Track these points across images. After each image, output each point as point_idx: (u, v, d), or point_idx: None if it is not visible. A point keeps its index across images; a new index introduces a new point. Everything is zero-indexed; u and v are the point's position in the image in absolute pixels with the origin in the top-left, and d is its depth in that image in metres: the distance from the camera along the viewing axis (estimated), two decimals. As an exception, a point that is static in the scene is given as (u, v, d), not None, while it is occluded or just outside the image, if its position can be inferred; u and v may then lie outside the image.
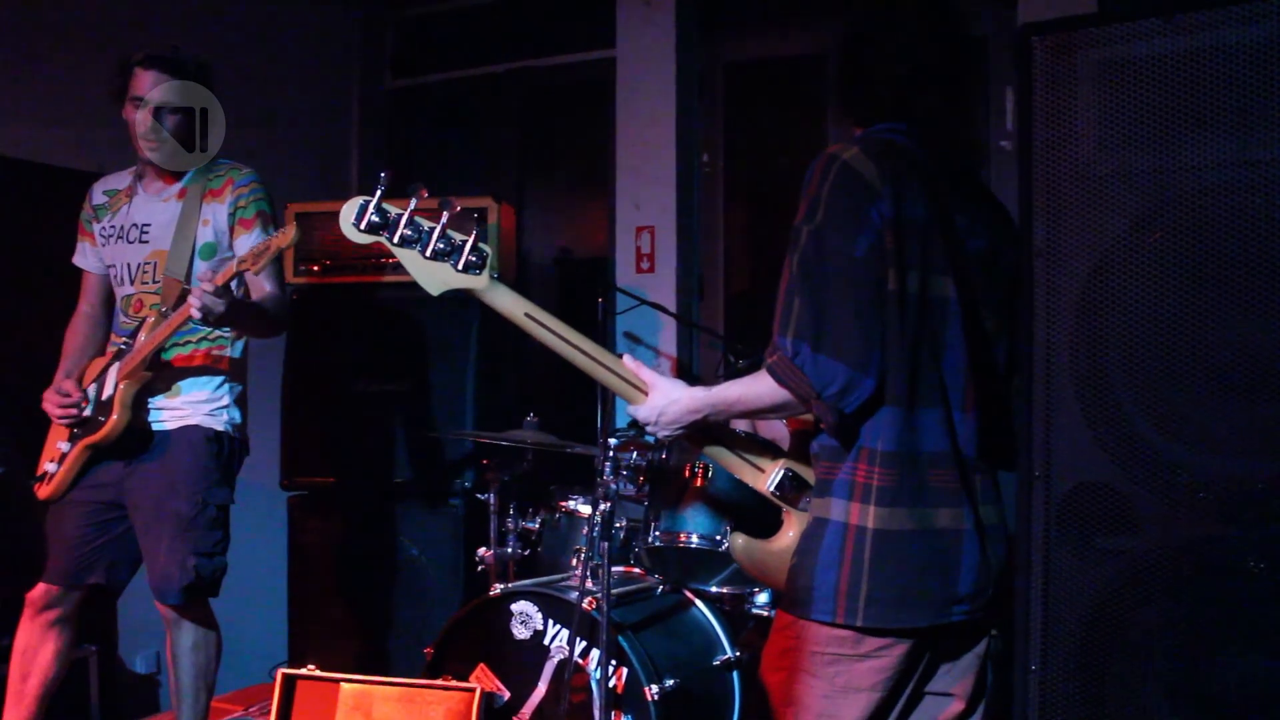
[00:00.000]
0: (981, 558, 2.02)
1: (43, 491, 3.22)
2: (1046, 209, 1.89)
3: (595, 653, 3.06)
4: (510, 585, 3.31)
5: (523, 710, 3.20)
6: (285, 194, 4.30)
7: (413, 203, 2.05)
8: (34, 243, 4.03)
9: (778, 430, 3.71)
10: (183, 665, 3.23)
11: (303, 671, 3.31)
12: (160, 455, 3.20)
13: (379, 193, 2.04)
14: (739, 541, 2.19)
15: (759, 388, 2.01)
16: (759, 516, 2.33)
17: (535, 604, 3.23)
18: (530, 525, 3.76)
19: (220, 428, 3.25)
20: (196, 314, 2.90)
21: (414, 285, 4.27)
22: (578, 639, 3.11)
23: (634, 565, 3.61)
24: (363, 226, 2.04)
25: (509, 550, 3.69)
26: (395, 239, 2.05)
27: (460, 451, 4.29)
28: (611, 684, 3.06)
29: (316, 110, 5.51)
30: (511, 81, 5.62)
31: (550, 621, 3.20)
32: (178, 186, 3.27)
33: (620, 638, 3.06)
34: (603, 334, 3.99)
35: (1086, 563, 1.86)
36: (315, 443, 4.41)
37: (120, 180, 3.37)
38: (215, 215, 3.23)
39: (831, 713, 2.03)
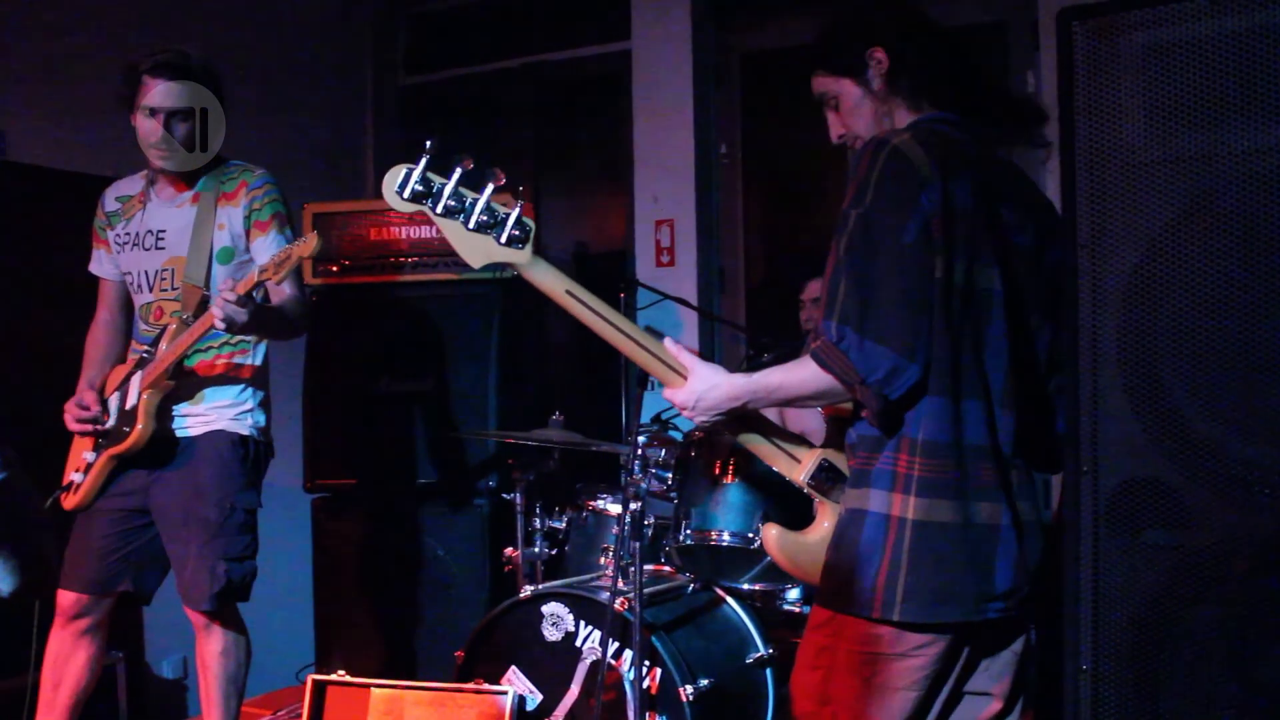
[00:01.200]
0: (1019, 554, 1.98)
1: (69, 501, 3.22)
2: (1091, 199, 1.84)
3: (628, 653, 3.03)
4: (540, 586, 3.29)
5: (555, 712, 3.17)
6: (301, 194, 4.28)
7: (457, 172, 2.00)
8: (45, 249, 4.02)
9: (809, 424, 3.67)
10: (213, 671, 3.21)
11: (333, 677, 3.29)
12: (186, 462, 3.18)
13: (424, 160, 1.99)
14: (772, 534, 2.14)
15: (802, 373, 1.97)
16: (790, 513, 2.30)
17: (566, 605, 3.20)
18: (556, 525, 3.73)
19: (246, 432, 3.22)
20: (220, 325, 2.87)
21: (433, 284, 4.29)
22: (610, 640, 3.08)
23: (664, 564, 3.58)
24: (406, 195, 2.00)
25: (536, 550, 3.65)
26: (439, 209, 2.00)
27: (484, 451, 4.26)
28: (645, 685, 3.03)
29: (330, 110, 5.49)
30: (526, 76, 5.58)
31: (582, 623, 3.17)
32: (191, 191, 3.24)
33: (653, 638, 3.03)
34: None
35: (1137, 559, 1.81)
36: (338, 444, 4.38)
37: (132, 185, 3.34)
38: (230, 219, 3.20)
39: (869, 713, 1.99)
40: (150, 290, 3.24)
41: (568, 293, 2.09)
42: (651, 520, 3.54)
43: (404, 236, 4.34)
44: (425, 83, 5.85)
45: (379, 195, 5.06)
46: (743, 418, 2.13)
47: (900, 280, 1.89)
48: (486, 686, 3.17)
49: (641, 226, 5.08)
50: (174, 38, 4.39)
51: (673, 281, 4.86)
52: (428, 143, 2.02)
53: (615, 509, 3.57)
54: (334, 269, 4.39)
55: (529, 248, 2.05)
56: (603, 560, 3.55)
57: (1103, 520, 1.84)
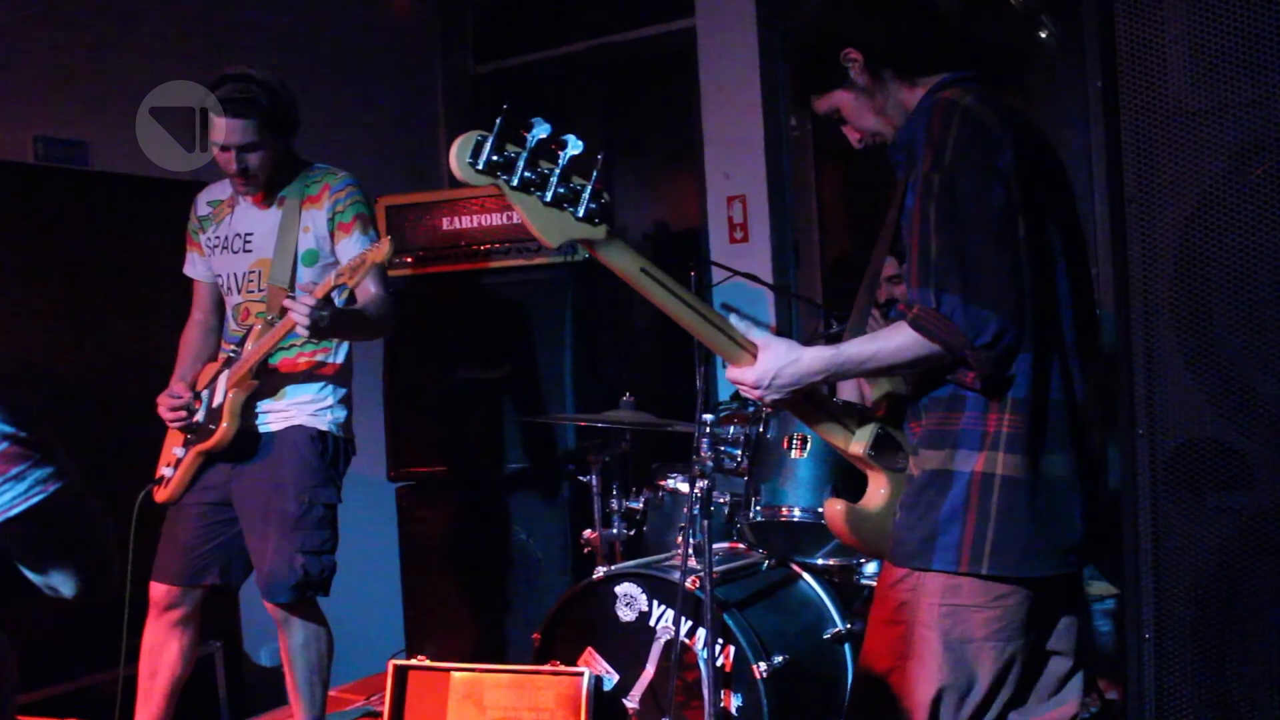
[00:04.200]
0: (1088, 505, 1.98)
1: (160, 495, 3.32)
2: (1137, 151, 1.78)
3: (701, 632, 3.02)
4: (613, 567, 3.29)
5: (632, 692, 3.18)
6: (374, 188, 4.32)
7: (531, 140, 1.78)
8: (131, 255, 4.12)
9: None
10: (296, 662, 3.28)
11: (413, 662, 3.35)
12: (266, 456, 3.25)
13: (499, 126, 1.75)
14: (838, 509, 2.13)
15: (897, 341, 1.93)
16: (857, 484, 2.27)
17: (639, 585, 3.21)
18: (634, 505, 3.73)
19: (324, 427, 3.28)
20: (303, 331, 2.94)
21: (506, 270, 4.32)
22: (683, 619, 3.08)
23: (738, 541, 3.56)
24: (480, 165, 1.74)
25: (614, 531, 3.67)
26: (515, 182, 1.77)
27: (563, 434, 4.28)
28: (719, 663, 3.02)
29: (401, 102, 5.55)
30: (593, 58, 5.58)
31: (655, 602, 3.18)
32: (277, 195, 3.30)
33: (726, 616, 3.02)
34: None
35: (1198, 523, 1.75)
36: (419, 433, 4.44)
37: (222, 190, 3.40)
38: (315, 222, 3.25)
39: (952, 665, 1.99)
40: (239, 292, 3.32)
41: (643, 271, 1.96)
42: (725, 498, 3.52)
43: (475, 225, 4.38)
44: (495, 70, 5.87)
45: (453, 185, 5.08)
46: (807, 393, 2.08)
47: (994, 243, 1.88)
48: (564, 668, 3.20)
49: (714, 203, 5.04)
50: (248, 40, 4.50)
51: (747, 257, 4.81)
52: (504, 106, 1.81)
53: (687, 488, 3.57)
54: (409, 260, 4.44)
55: (605, 224, 1.87)
56: (679, 540, 3.54)
57: (1161, 483, 1.78)
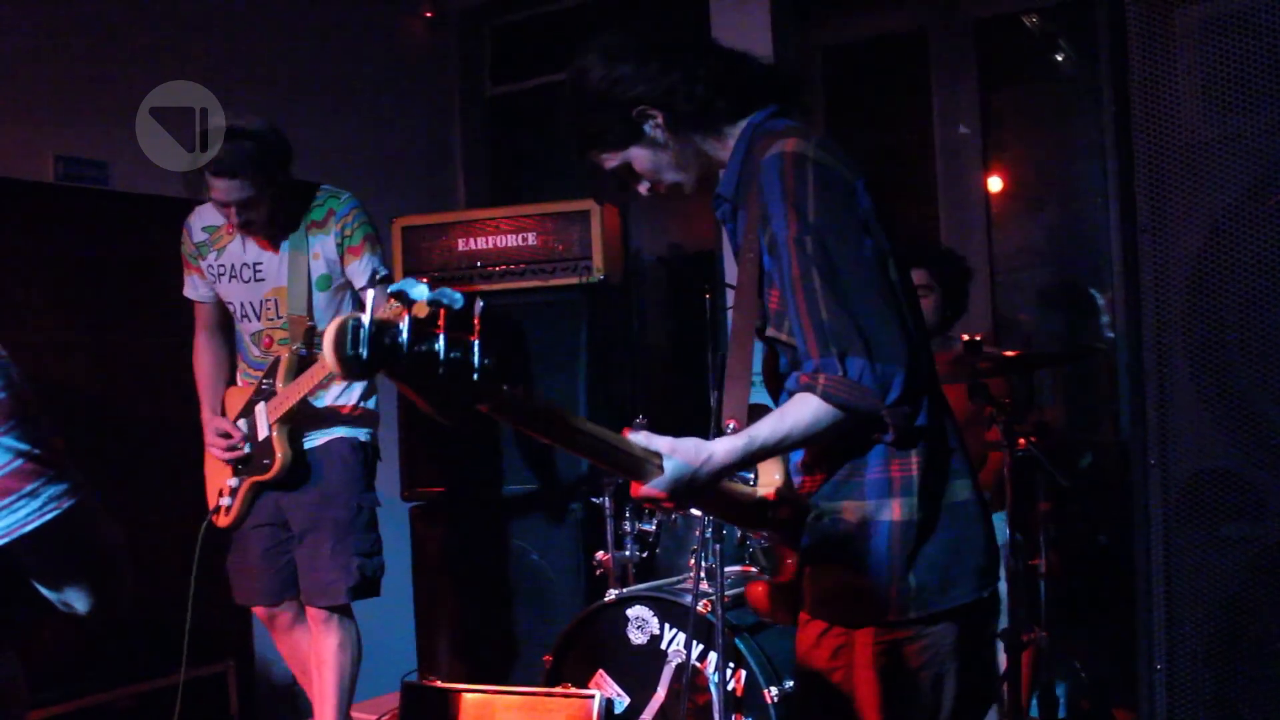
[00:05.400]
0: (988, 526, 1.97)
1: (222, 521, 3.46)
2: (1150, 183, 1.79)
3: (713, 656, 3.02)
4: (625, 590, 3.30)
5: (643, 715, 3.18)
6: (391, 208, 4.36)
7: (411, 311, 1.38)
8: (150, 275, 4.15)
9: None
10: (329, 665, 3.36)
11: (425, 683, 3.36)
12: (311, 469, 3.38)
13: (373, 302, 1.36)
14: (759, 590, 2.07)
15: (809, 415, 1.82)
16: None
17: (651, 608, 3.21)
18: (647, 527, 3.73)
19: (364, 437, 3.45)
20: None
21: (521, 291, 4.34)
22: (695, 642, 3.08)
23: (750, 564, 3.55)
24: (366, 355, 1.33)
25: (626, 553, 3.67)
26: (405, 361, 1.38)
27: (576, 455, 4.27)
28: (730, 687, 3.01)
29: (418, 123, 5.58)
30: (610, 81, 5.60)
31: (666, 625, 3.18)
32: (280, 228, 3.36)
33: (737, 640, 3.02)
34: (712, 331, 3.94)
35: (1210, 554, 1.75)
36: (433, 453, 4.45)
37: (216, 215, 3.38)
38: (324, 247, 3.34)
39: (895, 699, 1.95)
40: (257, 319, 3.40)
41: (541, 411, 1.69)
42: (737, 521, 3.52)
43: (491, 246, 4.40)
44: (511, 92, 5.90)
45: (469, 206, 5.11)
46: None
47: (876, 295, 1.84)
48: (575, 690, 3.20)
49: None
50: (266, 62, 4.53)
51: (761, 280, 4.80)
52: (377, 276, 1.35)
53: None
54: (425, 281, 4.44)
55: (502, 383, 1.52)
56: (691, 562, 3.54)
57: (1173, 514, 1.78)
